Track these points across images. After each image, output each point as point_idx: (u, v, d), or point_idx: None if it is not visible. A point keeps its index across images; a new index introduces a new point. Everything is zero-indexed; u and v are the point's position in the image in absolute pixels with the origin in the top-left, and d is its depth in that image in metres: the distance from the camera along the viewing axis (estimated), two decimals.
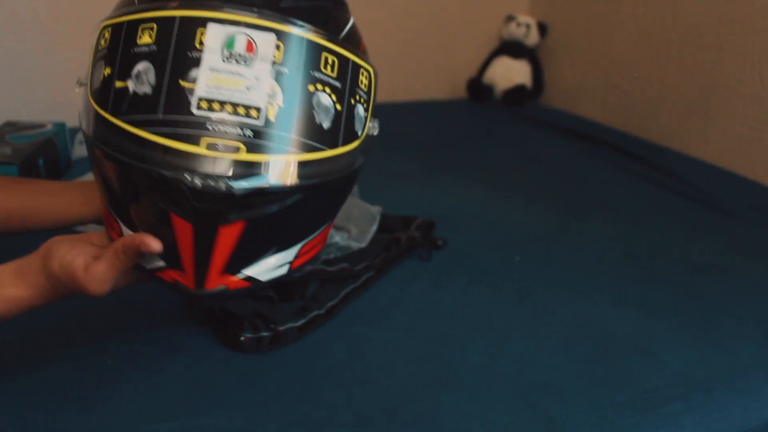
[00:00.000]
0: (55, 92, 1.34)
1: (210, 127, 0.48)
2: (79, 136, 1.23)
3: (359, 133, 0.56)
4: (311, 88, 0.52)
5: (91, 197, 0.66)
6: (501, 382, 0.65)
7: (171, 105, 0.49)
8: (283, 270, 0.56)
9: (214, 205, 0.48)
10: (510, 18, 1.67)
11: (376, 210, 0.86)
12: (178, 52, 0.49)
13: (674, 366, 0.68)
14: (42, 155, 1.01)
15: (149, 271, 0.54)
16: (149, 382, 0.62)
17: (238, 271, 0.53)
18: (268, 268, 0.54)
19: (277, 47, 0.50)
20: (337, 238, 0.80)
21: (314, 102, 0.51)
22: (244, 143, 0.48)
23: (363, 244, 0.81)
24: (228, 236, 0.50)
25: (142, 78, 0.49)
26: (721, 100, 1.26)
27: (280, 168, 0.50)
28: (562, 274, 0.86)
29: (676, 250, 0.94)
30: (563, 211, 1.06)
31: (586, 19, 1.58)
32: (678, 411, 0.62)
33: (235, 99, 0.49)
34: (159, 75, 0.49)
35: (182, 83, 0.49)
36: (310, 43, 0.52)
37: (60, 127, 1.11)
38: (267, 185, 0.49)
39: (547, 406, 0.62)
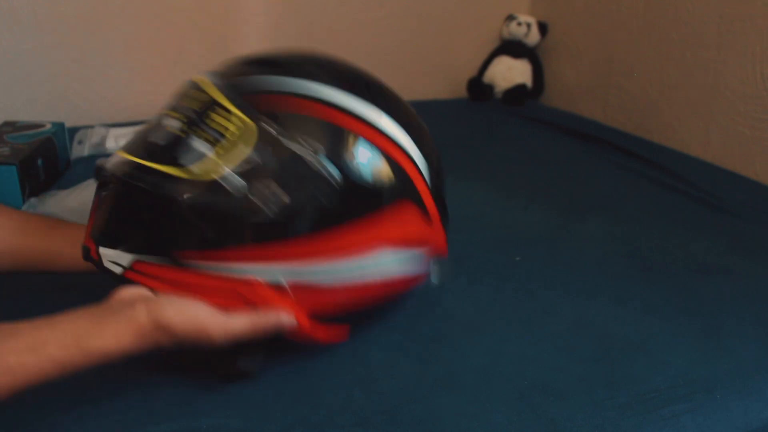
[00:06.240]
0: (54, 92, 1.34)
1: None
2: (78, 136, 1.22)
3: (186, 164, 0.56)
4: (170, 112, 0.61)
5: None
6: (502, 383, 0.65)
7: None
8: (115, 268, 0.58)
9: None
10: (510, 17, 1.67)
11: None
12: None
13: (676, 367, 0.68)
14: (41, 155, 1.01)
15: None
16: (149, 383, 0.61)
17: (98, 244, 0.59)
18: (108, 255, 0.59)
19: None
20: None
21: (162, 122, 0.60)
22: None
23: None
24: (93, 205, 0.62)
25: None
26: (723, 100, 1.26)
27: (120, 159, 0.59)
28: (563, 274, 0.86)
29: (677, 250, 0.94)
30: (564, 210, 1.06)
31: (587, 18, 1.58)
32: (680, 412, 0.62)
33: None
34: None
35: None
36: (193, 81, 0.63)
37: (59, 126, 1.10)
38: (103, 164, 0.60)
39: (547, 407, 0.61)
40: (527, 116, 1.56)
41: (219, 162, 0.56)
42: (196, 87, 0.62)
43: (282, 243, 0.57)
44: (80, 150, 1.18)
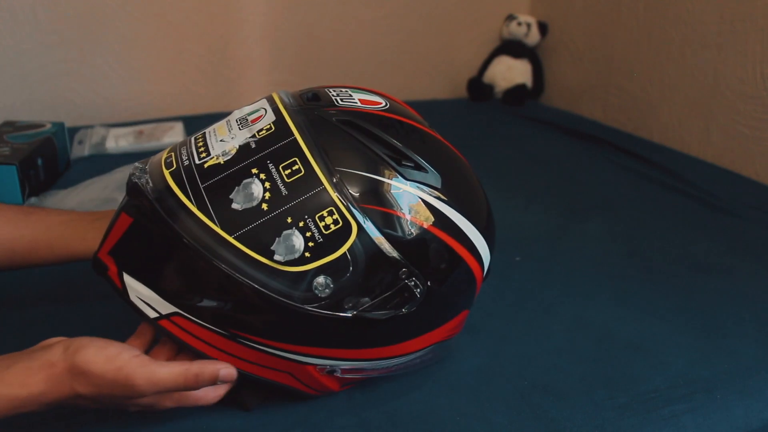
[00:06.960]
0: (54, 92, 1.34)
1: (179, 149, 0.57)
2: (78, 136, 1.22)
3: (276, 256, 0.50)
4: (254, 170, 0.52)
5: (101, 227, 0.58)
6: (501, 383, 0.65)
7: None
8: (148, 311, 0.53)
9: (128, 194, 0.55)
10: (511, 17, 1.67)
11: None
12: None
13: (676, 367, 0.68)
14: (41, 155, 1.01)
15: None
16: None
17: (124, 269, 0.54)
18: (140, 293, 0.53)
19: (268, 128, 0.54)
20: None
21: (243, 182, 0.52)
22: (175, 164, 0.55)
23: None
24: (122, 222, 0.54)
25: None
26: (723, 100, 1.26)
27: (165, 191, 0.53)
28: (563, 274, 0.86)
29: (677, 250, 0.94)
30: (564, 210, 1.06)
31: (587, 18, 1.58)
32: (680, 412, 0.62)
33: (209, 140, 0.56)
34: None
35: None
36: (292, 141, 0.53)
37: (59, 126, 1.10)
38: (148, 190, 0.53)
39: (547, 407, 0.61)
40: (527, 116, 1.55)
41: (308, 256, 0.51)
42: (293, 148, 0.52)
43: (354, 349, 0.56)
44: (80, 150, 1.18)
